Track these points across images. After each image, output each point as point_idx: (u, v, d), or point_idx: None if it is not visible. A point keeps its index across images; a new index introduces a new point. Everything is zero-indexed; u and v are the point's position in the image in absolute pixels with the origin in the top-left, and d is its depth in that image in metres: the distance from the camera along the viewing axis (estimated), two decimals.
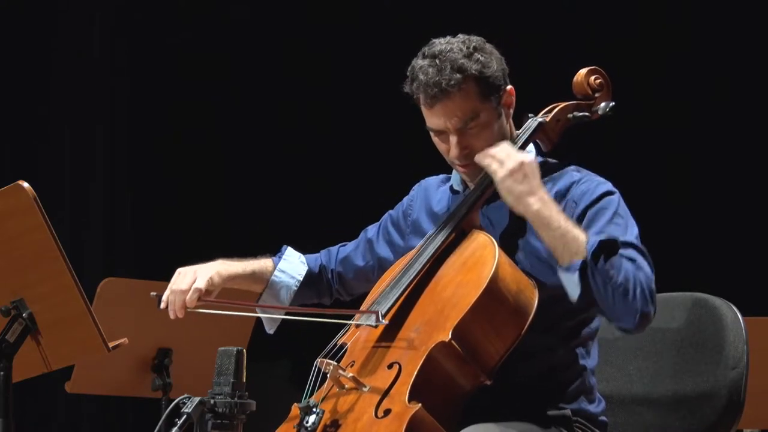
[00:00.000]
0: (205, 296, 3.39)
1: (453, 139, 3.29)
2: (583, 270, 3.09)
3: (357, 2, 6.61)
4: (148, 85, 6.64)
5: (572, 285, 3.12)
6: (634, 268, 3.11)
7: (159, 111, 6.65)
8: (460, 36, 3.33)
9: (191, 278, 3.39)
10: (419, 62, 3.30)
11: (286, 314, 3.52)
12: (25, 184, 3.36)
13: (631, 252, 3.14)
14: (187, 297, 3.36)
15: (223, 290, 3.49)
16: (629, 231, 3.20)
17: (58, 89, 6.52)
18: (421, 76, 3.27)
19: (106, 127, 6.56)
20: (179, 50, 6.66)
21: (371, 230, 3.63)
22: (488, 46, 3.33)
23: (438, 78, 3.25)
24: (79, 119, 6.54)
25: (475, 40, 3.32)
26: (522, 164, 3.18)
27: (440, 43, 3.31)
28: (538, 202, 3.15)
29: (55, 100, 6.53)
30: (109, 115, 6.58)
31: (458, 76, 3.24)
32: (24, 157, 6.45)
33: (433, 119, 3.30)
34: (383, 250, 3.56)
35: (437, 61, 3.26)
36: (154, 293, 3.38)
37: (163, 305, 3.39)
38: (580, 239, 3.11)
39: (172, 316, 3.39)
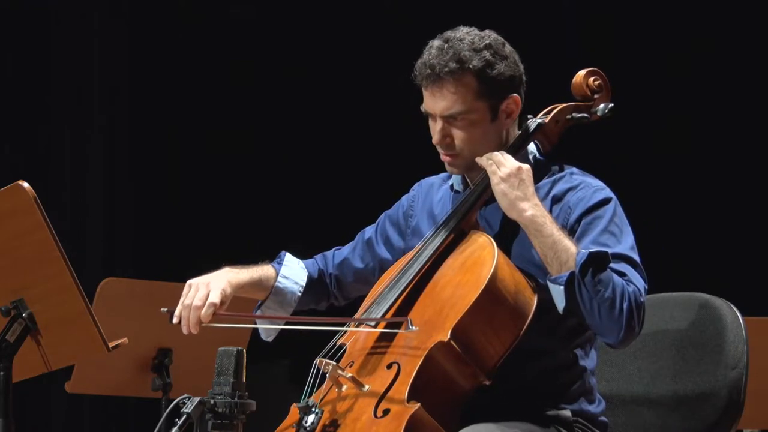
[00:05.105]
0: (218, 309, 3.32)
1: (438, 124, 3.30)
2: (570, 283, 3.10)
3: (357, 2, 6.61)
4: (147, 85, 6.63)
5: (558, 297, 3.13)
6: (624, 282, 3.12)
7: (159, 111, 6.65)
8: (486, 31, 3.32)
9: (204, 292, 3.31)
10: (433, 41, 3.32)
11: (288, 324, 3.47)
12: (25, 184, 3.36)
13: (622, 265, 3.15)
14: (203, 312, 3.29)
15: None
16: (623, 241, 3.20)
17: (58, 88, 6.51)
18: (425, 55, 3.29)
19: (106, 127, 6.56)
20: (179, 49, 6.66)
21: (368, 231, 3.60)
22: (507, 49, 3.31)
23: (435, 61, 3.26)
24: (78, 119, 6.53)
25: (494, 39, 3.30)
26: (519, 169, 3.20)
27: (461, 30, 3.31)
28: (532, 208, 3.17)
29: (55, 99, 6.52)
30: (109, 114, 6.57)
31: (454, 65, 3.24)
32: (24, 156, 6.44)
33: (426, 100, 3.31)
34: (383, 251, 3.55)
35: (445, 45, 3.27)
36: (165, 309, 3.32)
37: (176, 320, 3.32)
38: (571, 250, 3.12)
39: (185, 332, 3.31)
